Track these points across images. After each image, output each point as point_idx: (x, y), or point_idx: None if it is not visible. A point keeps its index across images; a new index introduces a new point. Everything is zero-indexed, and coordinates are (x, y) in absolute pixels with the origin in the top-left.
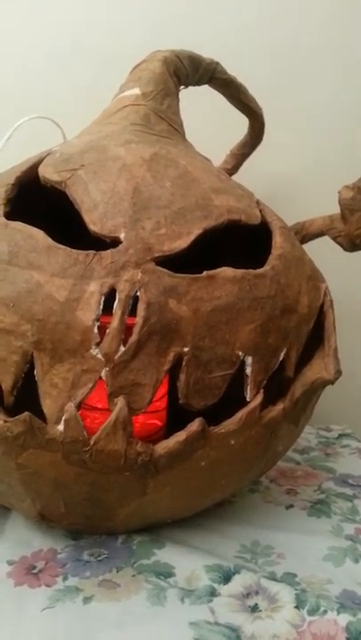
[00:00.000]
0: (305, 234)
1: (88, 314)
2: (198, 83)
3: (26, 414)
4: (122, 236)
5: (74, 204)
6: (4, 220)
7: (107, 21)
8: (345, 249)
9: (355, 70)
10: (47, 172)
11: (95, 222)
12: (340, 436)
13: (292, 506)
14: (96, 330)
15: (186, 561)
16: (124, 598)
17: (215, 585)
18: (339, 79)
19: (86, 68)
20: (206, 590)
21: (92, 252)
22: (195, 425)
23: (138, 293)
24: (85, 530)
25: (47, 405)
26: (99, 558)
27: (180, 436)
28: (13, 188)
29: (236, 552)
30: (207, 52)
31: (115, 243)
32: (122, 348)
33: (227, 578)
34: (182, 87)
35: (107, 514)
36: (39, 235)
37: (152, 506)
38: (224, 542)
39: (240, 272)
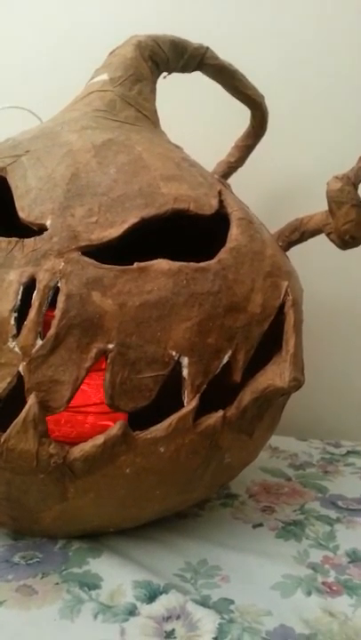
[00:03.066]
0: (303, 230)
1: (5, 304)
2: (185, 69)
3: None
4: (48, 222)
5: (12, 190)
6: None
7: (86, 8)
8: (338, 246)
9: None
10: None
11: (24, 209)
12: (349, 453)
13: (261, 525)
14: (13, 321)
15: (116, 574)
16: (35, 607)
17: (138, 603)
18: (346, 69)
19: (69, 57)
20: (126, 608)
21: (14, 240)
22: (115, 428)
23: (59, 284)
24: (21, 531)
25: None
26: (29, 562)
27: (99, 439)
28: None
29: (177, 569)
30: (210, 42)
31: (42, 230)
32: (39, 342)
33: (152, 597)
34: (165, 74)
35: (31, 516)
36: None
37: (78, 512)
38: (169, 557)
39: (177, 265)
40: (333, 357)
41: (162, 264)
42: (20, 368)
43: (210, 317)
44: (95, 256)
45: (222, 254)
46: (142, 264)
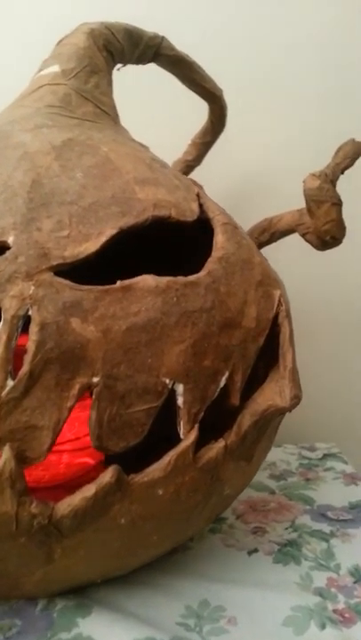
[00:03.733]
0: (273, 231)
1: None
2: (140, 60)
3: None
4: (10, 240)
5: None
6: None
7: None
8: (315, 247)
9: (334, 54)
10: None
11: None
12: (325, 456)
13: (256, 550)
14: None
15: (112, 634)
16: None
17: None
18: (311, 61)
19: (15, 50)
20: None
21: None
22: (107, 475)
23: (30, 312)
24: None
25: None
26: (8, 634)
27: (89, 490)
28: None
29: (178, 616)
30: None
31: (4, 249)
32: (10, 383)
33: None
34: (120, 65)
35: (10, 583)
36: None
37: (65, 572)
38: (167, 604)
39: (165, 280)
40: (303, 358)
41: (148, 280)
42: None
43: (204, 337)
44: (69, 276)
45: (211, 265)
46: (126, 282)
